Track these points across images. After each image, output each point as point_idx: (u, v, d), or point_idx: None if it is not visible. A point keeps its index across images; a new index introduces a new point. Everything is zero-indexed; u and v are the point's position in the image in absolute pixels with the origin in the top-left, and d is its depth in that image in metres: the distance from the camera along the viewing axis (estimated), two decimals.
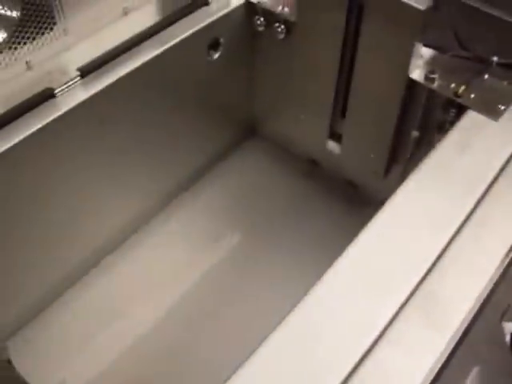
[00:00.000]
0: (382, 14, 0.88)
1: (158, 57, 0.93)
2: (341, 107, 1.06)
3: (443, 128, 0.93)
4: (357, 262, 0.68)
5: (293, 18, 0.99)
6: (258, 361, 0.58)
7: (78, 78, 0.87)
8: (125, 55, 0.92)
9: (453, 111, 0.90)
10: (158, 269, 1.10)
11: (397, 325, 0.63)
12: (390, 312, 0.63)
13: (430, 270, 0.68)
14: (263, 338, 0.61)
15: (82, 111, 0.87)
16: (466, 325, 0.64)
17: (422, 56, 0.91)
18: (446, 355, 0.61)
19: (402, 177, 1.04)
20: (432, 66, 0.90)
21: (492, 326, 0.68)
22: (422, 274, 0.67)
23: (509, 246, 0.71)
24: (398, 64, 0.91)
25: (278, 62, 1.09)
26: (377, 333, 0.61)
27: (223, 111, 1.18)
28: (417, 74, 0.91)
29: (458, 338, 0.63)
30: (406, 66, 0.90)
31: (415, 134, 0.98)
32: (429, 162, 0.80)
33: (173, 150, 1.10)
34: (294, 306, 0.61)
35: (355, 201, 1.21)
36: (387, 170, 1.06)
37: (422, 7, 0.83)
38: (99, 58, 0.89)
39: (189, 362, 1.00)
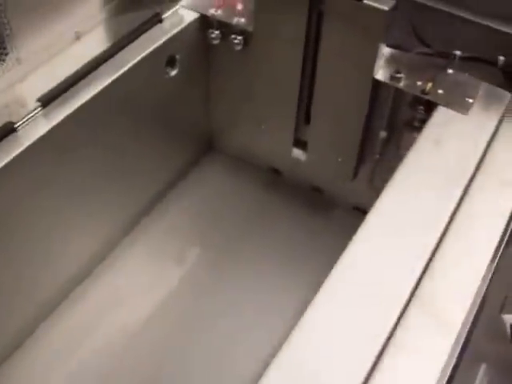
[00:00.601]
0: (344, 18, 0.87)
1: (117, 80, 0.90)
2: (304, 114, 1.05)
3: (412, 125, 0.94)
4: (351, 272, 0.67)
5: (250, 29, 0.98)
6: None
7: (39, 108, 0.83)
8: (84, 81, 0.88)
9: (421, 108, 0.90)
10: (128, 294, 1.07)
11: (400, 332, 0.62)
12: (391, 320, 0.62)
13: (424, 272, 0.68)
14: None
15: (45, 143, 0.82)
16: (469, 322, 0.64)
17: (386, 56, 0.91)
18: (455, 356, 0.61)
19: (371, 178, 1.05)
20: (397, 65, 0.90)
21: (493, 320, 0.68)
22: (417, 276, 0.67)
23: (498, 238, 0.72)
24: (362, 66, 0.90)
25: (236, 74, 1.07)
26: (382, 342, 0.60)
27: (182, 128, 1.15)
28: (382, 74, 0.91)
29: (463, 336, 0.63)
30: (370, 67, 0.90)
31: (383, 134, 0.99)
32: (408, 162, 0.80)
33: (134, 174, 1.06)
34: (292, 325, 0.62)
35: (322, 205, 1.21)
36: (355, 173, 1.06)
37: (386, 8, 0.82)
38: (58, 86, 0.85)
39: None
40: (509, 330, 0.71)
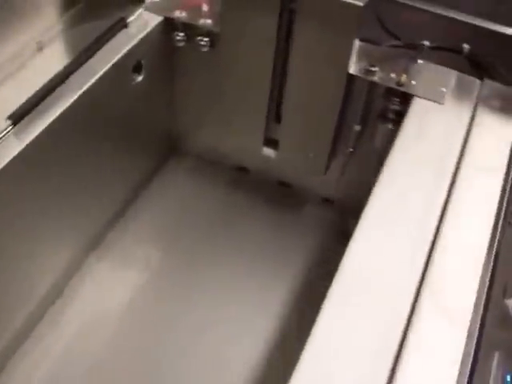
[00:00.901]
0: (317, 15, 0.87)
1: (86, 92, 0.86)
2: (275, 113, 1.04)
3: (386, 117, 0.95)
4: (354, 273, 0.68)
5: (217, 29, 0.96)
6: None
7: (10, 127, 0.78)
8: (53, 94, 0.84)
9: (396, 100, 0.92)
10: (103, 309, 1.04)
11: (414, 329, 0.63)
12: (403, 318, 0.63)
13: (427, 264, 0.69)
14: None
15: (19, 163, 0.78)
16: (479, 311, 0.65)
17: (357, 51, 0.91)
18: (472, 347, 0.62)
19: (343, 171, 1.06)
20: (369, 59, 0.91)
21: (498, 307, 0.70)
22: (420, 270, 0.68)
23: (492, 224, 0.74)
24: (336, 62, 0.91)
25: (203, 75, 1.05)
26: (397, 341, 0.61)
27: (149, 134, 1.12)
28: (356, 69, 0.91)
29: (477, 326, 0.64)
30: (345, 63, 0.90)
31: (357, 127, 1.00)
32: (394, 156, 0.81)
33: (103, 184, 1.03)
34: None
35: (291, 200, 1.22)
36: (327, 167, 1.06)
37: (361, 3, 0.83)
38: (28, 101, 0.81)
39: None
40: None
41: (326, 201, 1.18)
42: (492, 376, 0.61)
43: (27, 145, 0.79)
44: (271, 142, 1.08)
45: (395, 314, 0.63)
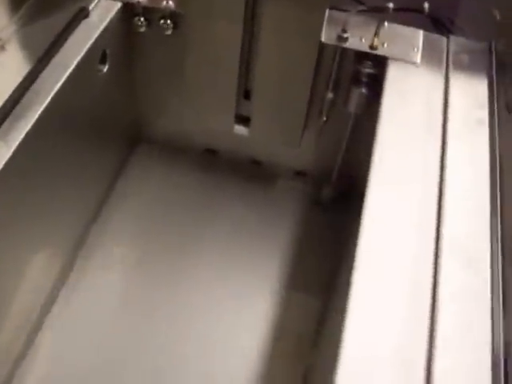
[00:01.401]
0: None
1: (60, 89, 0.82)
2: (243, 90, 1.03)
3: (359, 81, 0.96)
4: (375, 236, 0.68)
5: (181, 11, 0.94)
6: None
7: None
8: (26, 97, 0.80)
9: (369, 64, 0.93)
10: (95, 315, 1.02)
11: (442, 279, 0.65)
12: (429, 272, 0.65)
13: (439, 213, 0.71)
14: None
15: (7, 173, 0.74)
16: (498, 256, 0.68)
17: (328, 19, 0.91)
18: (499, 294, 0.65)
19: (317, 141, 1.07)
20: (339, 25, 0.91)
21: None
22: (434, 222, 0.70)
23: (488, 171, 0.77)
24: (309, 33, 0.91)
25: (167, 60, 1.03)
26: (429, 295, 0.63)
27: (115, 124, 1.09)
28: (328, 37, 0.91)
29: (499, 271, 0.67)
30: (317, 33, 0.90)
31: (330, 95, 1.00)
32: (383, 122, 0.82)
33: (78, 184, 1.00)
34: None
35: (264, 177, 1.22)
36: (301, 139, 1.07)
37: None
38: (5, 104, 0.77)
39: None
40: None
41: (299, 174, 1.19)
42: None
43: (14, 152, 0.75)
44: (242, 120, 1.07)
45: (421, 269, 0.65)
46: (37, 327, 0.97)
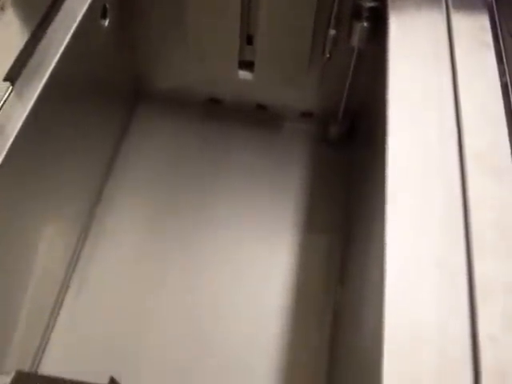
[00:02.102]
0: None
1: (69, 44, 0.82)
2: (246, 35, 1.03)
3: (360, 15, 0.96)
4: (401, 159, 0.69)
5: None
6: None
7: (10, 88, 0.74)
8: (36, 53, 0.79)
9: None
10: (115, 271, 1.04)
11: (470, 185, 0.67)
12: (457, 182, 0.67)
13: (459, 130, 0.73)
14: None
15: (28, 130, 0.74)
16: None
17: None
18: None
19: (321, 80, 1.07)
20: None
21: None
22: (456, 139, 0.72)
23: (500, 88, 0.78)
24: None
25: (167, 9, 1.03)
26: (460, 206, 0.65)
27: (119, 82, 1.10)
28: None
29: None
30: None
31: (332, 32, 1.00)
32: (392, 53, 0.82)
33: (85, 146, 1.00)
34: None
35: (270, 121, 1.23)
36: (306, 78, 1.08)
37: None
38: (17, 60, 0.76)
39: None
40: None
41: (305, 115, 1.20)
42: None
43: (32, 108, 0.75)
44: (246, 65, 1.08)
45: (450, 182, 0.67)
46: (62, 286, 0.98)
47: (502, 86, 0.79)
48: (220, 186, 1.13)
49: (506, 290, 0.60)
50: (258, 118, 1.21)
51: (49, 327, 0.94)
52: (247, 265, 1.03)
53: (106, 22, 0.95)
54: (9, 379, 0.50)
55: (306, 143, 1.20)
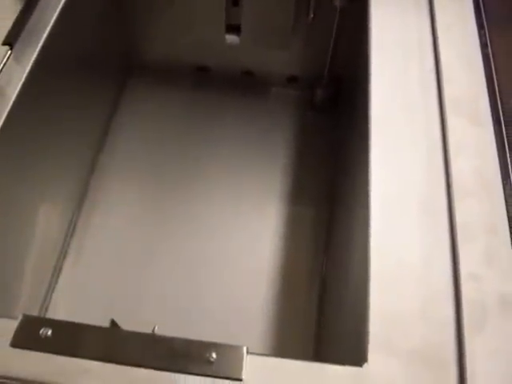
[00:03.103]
0: None
1: (62, 12, 0.84)
2: None
3: None
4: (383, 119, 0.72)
5: None
6: None
7: (9, 52, 0.76)
8: (33, 17, 0.81)
9: None
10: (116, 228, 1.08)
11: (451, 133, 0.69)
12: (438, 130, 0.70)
13: (439, 84, 0.75)
14: None
15: (27, 92, 0.76)
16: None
17: None
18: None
19: (306, 43, 1.09)
20: None
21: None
22: (435, 91, 0.74)
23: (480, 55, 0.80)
24: None
25: None
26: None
27: (110, 55, 1.12)
28: None
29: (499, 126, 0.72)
30: None
31: None
32: (374, 8, 0.84)
33: (80, 119, 1.03)
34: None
35: (258, 86, 1.25)
36: (291, 40, 1.10)
37: None
38: (15, 26, 0.78)
39: None
40: None
41: (291, 80, 1.22)
42: None
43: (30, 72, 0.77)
44: (233, 28, 1.10)
45: (431, 128, 0.70)
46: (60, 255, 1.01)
47: (479, 34, 0.81)
48: (210, 155, 1.16)
49: (486, 229, 0.64)
50: (246, 84, 1.23)
51: (52, 283, 0.98)
52: (237, 234, 1.07)
53: None
54: (17, 322, 0.53)
55: (293, 108, 1.23)
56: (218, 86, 1.24)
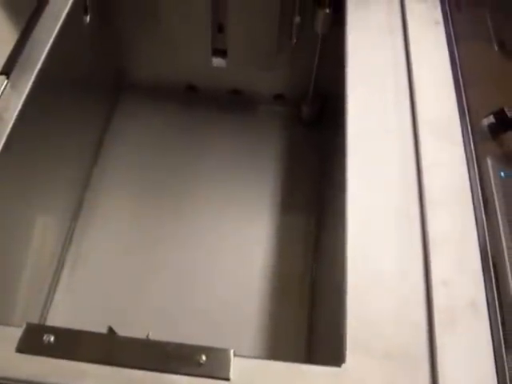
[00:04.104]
0: None
1: (55, 41, 0.89)
2: (217, 24, 1.11)
3: (322, 2, 1.04)
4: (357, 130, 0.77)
5: None
6: None
7: (6, 81, 0.81)
8: (28, 46, 0.86)
9: None
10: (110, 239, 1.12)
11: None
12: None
13: (413, 105, 0.80)
14: None
15: (24, 119, 0.81)
16: (468, 131, 0.78)
17: None
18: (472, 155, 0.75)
19: (291, 63, 1.15)
20: None
21: (479, 125, 0.82)
22: (409, 112, 0.80)
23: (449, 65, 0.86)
24: None
25: (141, 4, 1.09)
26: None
27: (101, 75, 1.16)
28: None
29: (468, 141, 0.77)
30: None
31: (297, 19, 1.08)
32: (350, 34, 0.90)
33: (75, 135, 1.08)
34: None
35: (245, 104, 1.30)
36: (275, 62, 1.15)
37: None
38: (11, 55, 0.83)
39: None
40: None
41: (278, 97, 1.27)
42: (491, 175, 0.74)
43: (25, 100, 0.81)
44: (219, 53, 1.15)
45: (405, 147, 0.75)
46: (58, 265, 1.06)
47: (450, 56, 0.87)
48: (200, 169, 1.21)
49: (456, 240, 0.69)
50: (234, 102, 1.29)
51: (50, 292, 1.03)
52: (228, 242, 1.12)
53: (88, 18, 1.02)
54: (21, 330, 0.57)
55: (280, 124, 1.28)
56: (207, 104, 1.28)
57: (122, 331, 0.64)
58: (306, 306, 1.04)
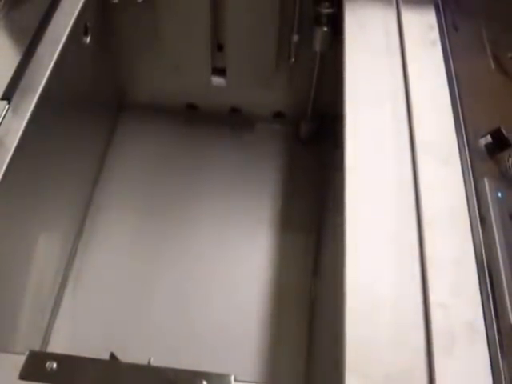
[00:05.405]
0: None
1: (56, 63, 0.90)
2: (216, 43, 1.12)
3: (320, 22, 1.05)
4: (357, 141, 0.78)
5: None
6: None
7: (7, 106, 0.82)
8: (29, 70, 0.87)
9: (326, 4, 1.02)
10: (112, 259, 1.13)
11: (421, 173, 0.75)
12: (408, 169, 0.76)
13: (411, 127, 0.81)
14: None
15: (25, 143, 0.82)
16: (465, 149, 0.79)
17: None
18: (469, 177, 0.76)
19: (289, 82, 1.16)
20: None
21: (476, 146, 0.83)
22: (407, 134, 0.81)
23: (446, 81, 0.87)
24: None
25: (142, 25, 1.11)
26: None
27: (101, 95, 1.17)
28: None
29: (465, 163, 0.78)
30: None
31: (295, 38, 1.09)
32: (348, 53, 0.91)
33: (77, 155, 1.09)
34: None
35: (245, 123, 1.31)
36: (274, 80, 1.16)
37: None
38: (12, 80, 0.84)
39: None
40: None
41: (277, 115, 1.28)
42: (488, 195, 0.75)
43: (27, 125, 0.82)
44: (218, 72, 1.16)
45: (402, 169, 0.76)
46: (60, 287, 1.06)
47: (448, 78, 0.87)
48: (200, 187, 1.22)
49: (453, 262, 0.69)
50: (234, 120, 1.30)
51: (52, 317, 1.03)
52: (228, 262, 1.12)
53: (88, 39, 1.03)
54: (23, 358, 0.58)
55: (280, 142, 1.29)
56: (207, 122, 1.30)
57: (123, 356, 0.65)
58: (304, 328, 1.04)
